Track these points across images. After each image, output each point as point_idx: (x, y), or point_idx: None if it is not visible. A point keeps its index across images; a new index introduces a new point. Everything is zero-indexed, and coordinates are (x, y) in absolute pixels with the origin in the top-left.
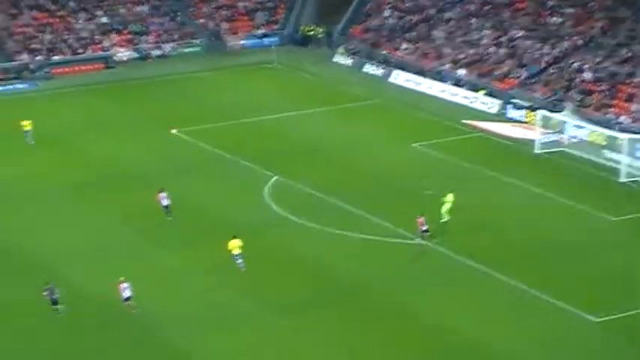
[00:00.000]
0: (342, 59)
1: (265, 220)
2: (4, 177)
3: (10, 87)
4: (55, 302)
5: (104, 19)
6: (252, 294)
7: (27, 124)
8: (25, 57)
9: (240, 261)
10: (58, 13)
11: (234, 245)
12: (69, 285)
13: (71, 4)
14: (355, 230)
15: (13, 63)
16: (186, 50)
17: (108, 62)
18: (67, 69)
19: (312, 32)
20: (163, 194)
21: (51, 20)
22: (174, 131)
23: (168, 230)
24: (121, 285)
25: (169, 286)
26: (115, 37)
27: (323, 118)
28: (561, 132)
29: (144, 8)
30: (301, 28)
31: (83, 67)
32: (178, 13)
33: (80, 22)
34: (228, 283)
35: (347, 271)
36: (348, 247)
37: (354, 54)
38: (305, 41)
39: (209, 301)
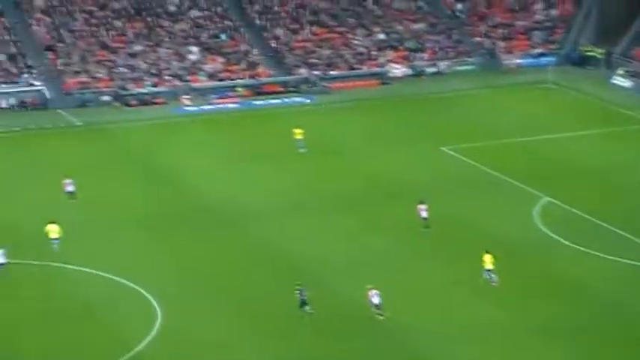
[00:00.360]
0: (621, 81)
1: (530, 239)
2: (275, 184)
3: (288, 100)
4: (303, 303)
5: (381, 36)
6: (507, 309)
7: (299, 133)
8: (303, 71)
9: (491, 276)
10: (337, 29)
11: (487, 260)
12: (326, 291)
13: (350, 20)
14: (624, 256)
15: (291, 77)
16: (461, 68)
17: (383, 78)
18: (343, 84)
19: (590, 53)
20: (423, 206)
21: (330, 36)
22: (444, 148)
23: (427, 243)
24: (370, 292)
25: (422, 297)
26: (390, 54)
27: (599, 141)
28: None
29: (421, 26)
30: (579, 48)
31: (359, 83)
32: (454, 31)
33: (358, 38)
34: (482, 298)
35: (608, 296)
36: (613, 272)
37: (633, 76)
38: (582, 61)
39: (461, 313)
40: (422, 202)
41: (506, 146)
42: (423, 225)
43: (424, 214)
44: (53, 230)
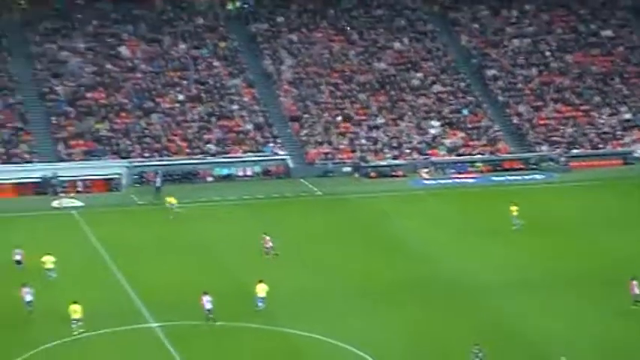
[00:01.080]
0: None
1: None
2: (505, 259)
3: (527, 177)
4: None
5: (627, 115)
6: None
7: (514, 210)
8: (544, 148)
9: None
10: (582, 107)
11: None
12: None
13: (596, 98)
14: None
15: (532, 154)
16: None
17: (627, 159)
18: (584, 163)
19: None
20: (635, 282)
21: (574, 114)
22: None
23: None
24: None
25: None
26: (636, 134)
27: None
28: None
29: None
30: None
31: (601, 162)
32: None
33: (603, 117)
34: None
35: None
36: None
37: None
38: None
39: None
40: (634, 279)
41: None
42: (635, 301)
43: (636, 290)
44: (261, 289)
